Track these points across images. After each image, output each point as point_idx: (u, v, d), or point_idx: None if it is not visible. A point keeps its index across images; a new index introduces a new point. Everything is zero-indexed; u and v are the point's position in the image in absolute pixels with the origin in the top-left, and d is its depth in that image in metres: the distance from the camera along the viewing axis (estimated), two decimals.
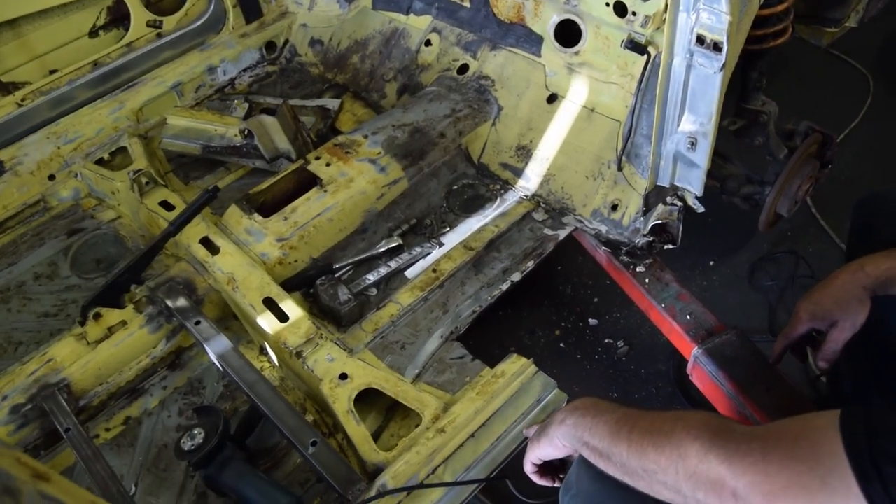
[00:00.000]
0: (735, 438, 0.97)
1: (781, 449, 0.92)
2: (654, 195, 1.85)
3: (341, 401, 1.66)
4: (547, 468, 1.39)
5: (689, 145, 1.61)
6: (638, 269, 1.99)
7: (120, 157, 2.39)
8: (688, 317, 1.90)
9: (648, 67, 1.87)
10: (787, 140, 2.13)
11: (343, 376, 1.70)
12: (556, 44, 2.14)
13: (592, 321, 2.36)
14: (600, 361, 2.26)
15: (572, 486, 1.38)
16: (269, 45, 2.69)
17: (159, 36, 2.48)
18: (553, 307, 2.39)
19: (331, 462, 1.53)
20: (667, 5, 1.44)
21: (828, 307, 1.41)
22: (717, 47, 1.38)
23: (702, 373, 1.81)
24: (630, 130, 1.96)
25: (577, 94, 2.14)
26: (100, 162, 2.36)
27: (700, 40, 1.40)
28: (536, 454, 1.33)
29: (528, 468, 1.39)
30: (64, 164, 2.35)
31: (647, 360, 2.24)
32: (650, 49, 1.86)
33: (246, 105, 2.23)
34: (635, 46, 1.86)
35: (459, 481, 1.48)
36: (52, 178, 2.34)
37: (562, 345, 2.30)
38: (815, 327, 1.45)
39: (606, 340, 2.31)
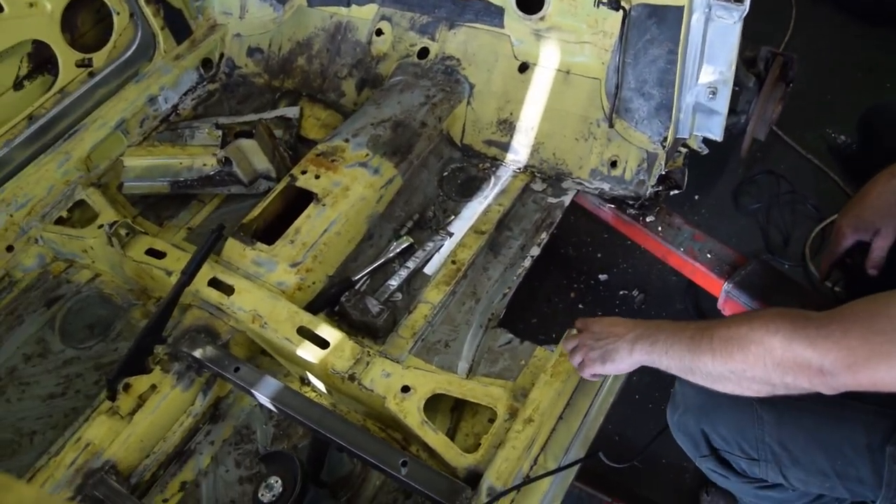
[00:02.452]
0: (813, 324, 1.08)
1: (859, 325, 1.04)
2: (671, 148, 1.88)
3: (412, 413, 1.62)
4: None
5: (710, 95, 1.64)
6: (648, 220, 2.04)
7: (78, 211, 2.23)
8: (708, 255, 1.96)
9: (627, 22, 1.88)
10: (750, 68, 2.21)
11: (405, 389, 1.66)
12: (519, 12, 2.12)
13: (602, 276, 2.40)
14: (622, 314, 2.31)
15: (679, 406, 1.46)
16: (206, 63, 2.54)
17: (91, 75, 2.30)
18: (561, 272, 2.41)
19: (428, 478, 1.50)
20: None
21: (869, 218, 1.50)
22: None
23: (736, 305, 1.88)
24: (616, 86, 1.98)
25: (548, 59, 2.14)
26: (59, 221, 2.20)
27: None
28: (597, 372, 1.41)
29: (585, 375, 1.46)
30: (20, 231, 2.16)
31: (665, 303, 2.31)
32: (624, 4, 1.87)
33: (218, 133, 2.11)
34: (610, 3, 1.87)
35: (563, 466, 1.49)
36: (10, 249, 2.15)
37: (580, 305, 2.34)
38: (860, 239, 1.53)
39: (621, 292, 2.36)
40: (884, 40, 2.96)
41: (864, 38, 3.01)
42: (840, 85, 2.80)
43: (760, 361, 1.11)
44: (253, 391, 1.68)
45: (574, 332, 1.51)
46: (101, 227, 2.07)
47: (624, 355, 1.33)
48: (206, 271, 1.88)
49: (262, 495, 1.56)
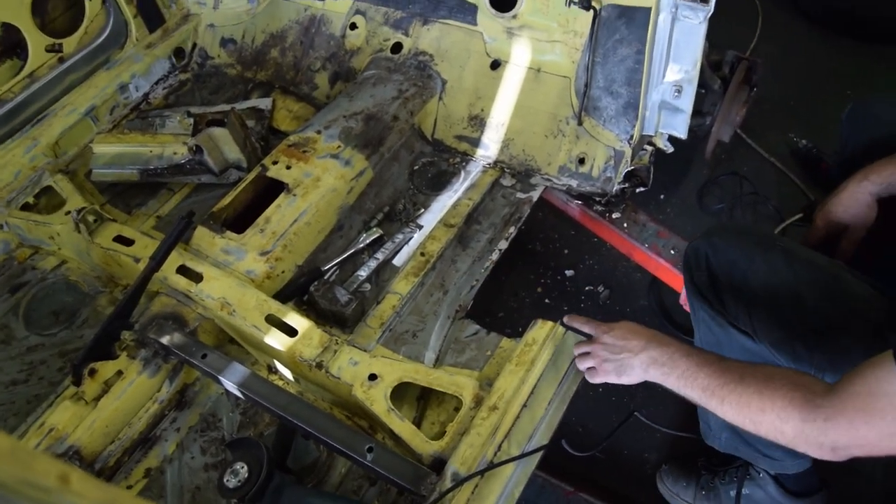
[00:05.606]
0: (821, 414, 1.13)
1: (862, 413, 1.09)
2: (637, 145, 1.92)
3: (379, 401, 1.64)
4: None
5: (675, 93, 1.69)
6: (614, 216, 2.08)
7: (45, 197, 2.21)
8: (672, 251, 2.01)
9: (597, 22, 1.92)
10: (716, 71, 2.26)
11: (372, 377, 1.68)
12: (492, 10, 2.15)
13: (569, 272, 2.44)
14: (587, 309, 2.35)
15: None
16: (178, 52, 2.53)
17: (61, 60, 2.28)
18: (528, 266, 2.44)
19: (393, 464, 1.52)
20: None
21: (840, 214, 1.57)
22: None
23: None
24: (585, 85, 2.02)
25: (520, 56, 2.17)
26: (25, 207, 2.17)
27: None
28: (610, 381, 1.48)
29: (594, 381, 1.53)
30: None
31: (630, 299, 2.35)
32: (594, 4, 1.91)
33: (190, 121, 2.10)
34: (581, 2, 1.90)
35: (526, 452, 1.52)
36: None
37: (546, 300, 2.37)
38: (830, 232, 1.59)
39: (587, 288, 2.39)
40: (845, 48, 3.05)
41: (827, 45, 3.09)
42: (802, 90, 2.88)
43: (771, 435, 1.20)
44: (220, 378, 1.68)
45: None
46: (68, 213, 2.05)
47: (638, 373, 1.40)
48: (175, 259, 1.87)
49: (228, 481, 1.55)
